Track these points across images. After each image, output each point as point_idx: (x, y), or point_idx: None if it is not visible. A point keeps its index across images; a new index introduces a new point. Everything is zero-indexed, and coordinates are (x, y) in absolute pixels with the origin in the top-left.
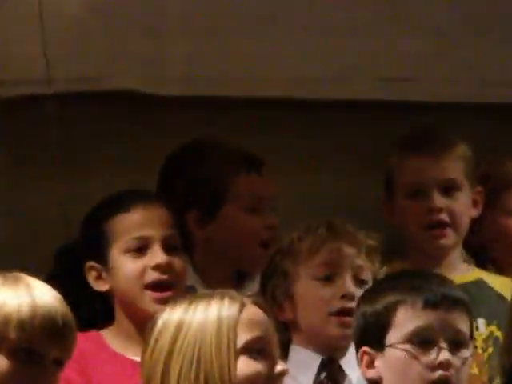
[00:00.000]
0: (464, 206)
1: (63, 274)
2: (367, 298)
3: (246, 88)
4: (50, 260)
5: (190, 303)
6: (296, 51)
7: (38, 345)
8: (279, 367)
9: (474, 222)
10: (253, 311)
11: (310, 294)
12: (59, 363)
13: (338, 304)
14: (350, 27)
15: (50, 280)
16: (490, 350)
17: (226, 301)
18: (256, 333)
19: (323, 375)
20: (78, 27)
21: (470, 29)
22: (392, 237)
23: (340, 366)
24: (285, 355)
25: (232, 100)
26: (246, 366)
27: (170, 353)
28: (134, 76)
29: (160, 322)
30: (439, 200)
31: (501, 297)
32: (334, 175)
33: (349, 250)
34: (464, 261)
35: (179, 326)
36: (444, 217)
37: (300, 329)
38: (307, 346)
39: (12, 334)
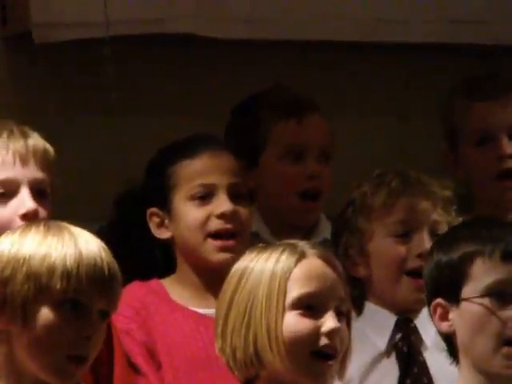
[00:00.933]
0: None
1: (123, 221)
2: (441, 246)
3: (304, 30)
4: (110, 206)
5: (257, 253)
6: None
7: (83, 296)
8: (326, 326)
9: None
10: (311, 265)
11: (386, 252)
12: (104, 315)
13: (414, 263)
14: None
15: (110, 226)
16: None
17: (286, 252)
18: (308, 288)
19: (398, 336)
20: None
21: None
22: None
23: (416, 328)
24: (359, 311)
25: (292, 42)
26: (293, 322)
27: (230, 304)
28: (193, 18)
29: (231, 271)
30: (510, 146)
31: None
32: (396, 120)
33: (424, 205)
34: None
35: (241, 277)
36: None
37: (374, 287)
38: (381, 305)
39: (57, 285)
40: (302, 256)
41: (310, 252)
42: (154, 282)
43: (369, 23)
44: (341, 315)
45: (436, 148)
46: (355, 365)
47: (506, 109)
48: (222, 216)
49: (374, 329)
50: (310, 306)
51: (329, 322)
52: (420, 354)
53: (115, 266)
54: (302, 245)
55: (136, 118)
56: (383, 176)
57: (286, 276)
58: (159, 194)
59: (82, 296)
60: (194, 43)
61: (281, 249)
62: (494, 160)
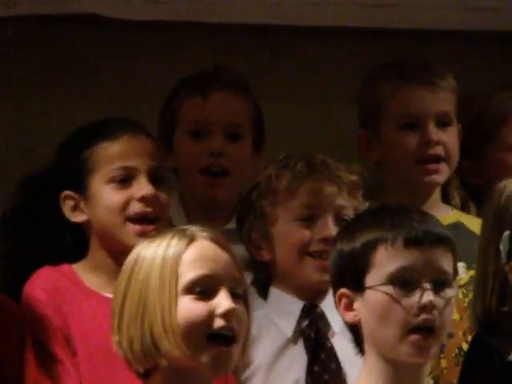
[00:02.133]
0: (456, 141)
1: (30, 204)
2: (344, 235)
3: (218, 13)
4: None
5: (148, 241)
6: None
7: None
8: (221, 307)
9: (473, 162)
10: (201, 247)
11: (289, 236)
12: None
13: (317, 247)
14: None
15: (16, 209)
16: (471, 295)
17: (176, 237)
18: (200, 270)
19: (305, 323)
20: None
21: None
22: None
23: (323, 313)
24: (264, 296)
25: (199, 25)
26: (187, 306)
27: (124, 296)
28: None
29: (127, 259)
30: (436, 133)
31: None
32: (319, 105)
33: (330, 189)
34: (447, 201)
35: (133, 266)
36: (440, 151)
37: (278, 271)
38: (286, 290)
39: None
40: (192, 239)
41: (201, 235)
42: (65, 267)
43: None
44: (237, 297)
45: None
46: (262, 352)
47: (435, 95)
48: (142, 199)
49: (280, 315)
50: (202, 288)
51: (223, 302)
52: (327, 339)
53: None
54: (192, 228)
55: (35, 102)
56: (288, 159)
57: (177, 260)
58: (75, 176)
59: None
60: (98, 24)
61: (171, 234)
62: (418, 145)
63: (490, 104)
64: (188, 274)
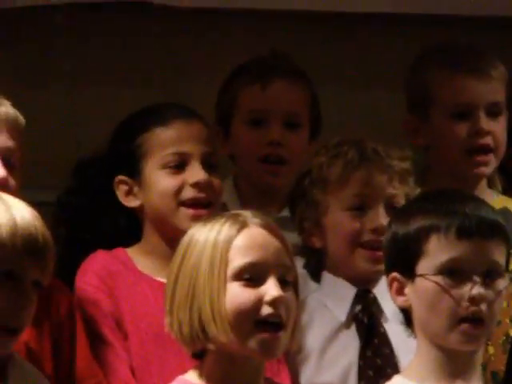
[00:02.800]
0: (505, 131)
1: (84, 188)
2: (399, 217)
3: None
4: (61, 177)
5: (201, 225)
6: None
7: (17, 266)
8: (269, 295)
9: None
10: (252, 234)
11: (341, 226)
12: (38, 285)
13: (369, 237)
14: None
15: (70, 194)
16: None
17: (228, 222)
18: (250, 257)
19: (358, 308)
20: None
21: None
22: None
23: (375, 299)
24: (317, 280)
25: (250, 11)
26: (235, 292)
27: (176, 278)
28: None
29: (181, 242)
30: (487, 123)
31: None
32: (361, 89)
33: (381, 179)
34: (490, 186)
35: (186, 249)
36: (489, 141)
37: (330, 258)
38: (340, 276)
39: None
40: (243, 225)
41: (253, 221)
42: (119, 251)
43: None
44: (286, 284)
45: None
46: (315, 336)
47: (487, 84)
48: (195, 185)
49: (333, 300)
50: (251, 275)
51: (271, 290)
52: (380, 325)
53: (49, 236)
54: (245, 214)
55: (89, 88)
56: (340, 146)
57: (228, 246)
58: (128, 161)
59: (16, 266)
60: (150, 12)
61: (223, 219)
62: (469, 135)
63: None
64: (238, 261)
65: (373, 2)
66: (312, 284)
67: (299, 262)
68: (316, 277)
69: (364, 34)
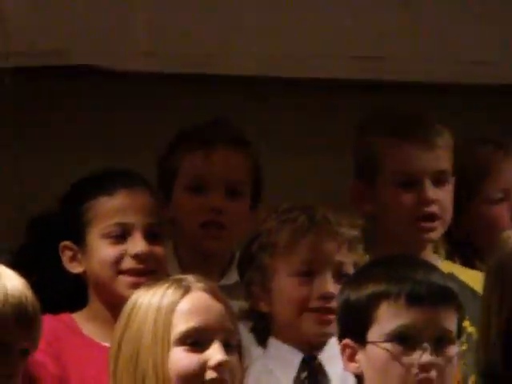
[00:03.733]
0: (451, 199)
1: (35, 246)
2: (351, 283)
3: (215, 65)
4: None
5: (145, 290)
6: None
7: (7, 335)
8: (213, 359)
9: (457, 214)
10: (196, 298)
11: (288, 291)
12: (25, 353)
13: (316, 303)
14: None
15: (21, 251)
16: (464, 346)
17: (172, 287)
18: (193, 322)
19: (304, 375)
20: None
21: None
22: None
23: (321, 365)
24: (263, 345)
25: (196, 76)
26: (179, 357)
27: (119, 343)
28: (95, 51)
29: (125, 306)
30: (433, 192)
31: (473, 292)
32: (310, 157)
33: (329, 246)
34: (434, 252)
35: (129, 315)
36: (436, 209)
37: (277, 323)
38: (286, 341)
39: None
40: (186, 290)
41: (196, 286)
42: (64, 316)
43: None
44: (230, 348)
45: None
46: None
47: (433, 153)
48: (135, 256)
49: (279, 366)
50: (195, 340)
51: (215, 354)
52: None
53: (38, 305)
54: (188, 279)
55: (33, 153)
56: (289, 212)
57: (171, 311)
58: (74, 227)
59: (5, 335)
60: (97, 75)
61: (167, 284)
62: (415, 203)
63: (473, 158)
64: (181, 326)
65: (321, 67)
66: (258, 350)
67: (246, 326)
68: (263, 342)
69: (312, 100)
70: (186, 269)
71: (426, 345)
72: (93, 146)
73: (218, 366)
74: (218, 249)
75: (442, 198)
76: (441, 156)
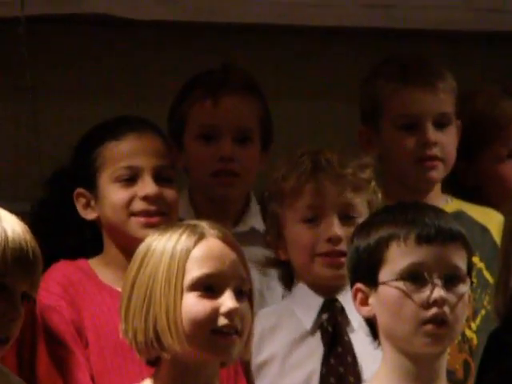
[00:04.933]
0: (454, 141)
1: (55, 200)
2: (360, 231)
3: (225, 14)
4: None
5: (159, 234)
6: None
7: (8, 278)
8: (225, 306)
9: (468, 164)
10: (209, 245)
11: (297, 238)
12: (27, 297)
13: (324, 248)
14: None
15: (42, 205)
16: (474, 281)
17: (186, 233)
18: (206, 269)
19: (325, 317)
20: None
21: None
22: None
23: (343, 308)
24: (288, 290)
25: (209, 24)
26: (191, 303)
27: (132, 286)
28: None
29: (137, 249)
30: (434, 134)
31: (483, 227)
32: (322, 103)
33: (332, 189)
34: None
35: (142, 258)
36: (437, 151)
37: (295, 270)
38: (308, 286)
39: None
40: (201, 237)
41: (210, 232)
42: (81, 262)
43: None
44: (241, 295)
45: None
46: (280, 342)
47: (434, 96)
48: (145, 198)
49: (301, 307)
50: (208, 286)
51: (227, 302)
52: (345, 334)
53: (38, 249)
54: (203, 225)
55: (48, 102)
56: (298, 158)
57: (185, 257)
58: (86, 174)
59: (7, 279)
60: (112, 24)
61: (181, 229)
62: (416, 145)
63: (492, 110)
64: (194, 272)
65: (330, 16)
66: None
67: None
68: (289, 288)
69: (321, 47)
70: (201, 217)
71: (437, 280)
72: (106, 95)
73: (230, 313)
74: (231, 196)
75: (443, 140)
76: (443, 99)
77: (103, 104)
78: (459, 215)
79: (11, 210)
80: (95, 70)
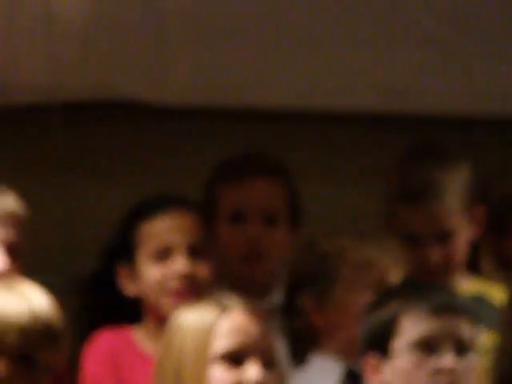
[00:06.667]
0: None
1: (106, 275)
2: (374, 304)
3: (248, 97)
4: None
5: (187, 309)
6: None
7: (34, 352)
8: (249, 379)
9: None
10: (235, 318)
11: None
12: (51, 369)
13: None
14: (350, 39)
15: (96, 276)
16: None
17: (211, 306)
18: (231, 342)
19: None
20: (83, 36)
21: (471, 41)
22: None
23: None
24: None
25: (234, 109)
26: (217, 376)
27: (162, 359)
28: (137, 84)
29: (167, 326)
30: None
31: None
32: (335, 186)
33: None
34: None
35: (171, 332)
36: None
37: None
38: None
39: (12, 341)
40: (226, 309)
41: (235, 305)
42: (123, 331)
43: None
44: (268, 367)
45: None
46: None
47: None
48: (178, 276)
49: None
50: (233, 359)
51: (251, 375)
52: None
53: (64, 322)
54: (228, 298)
55: (79, 188)
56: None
57: (210, 330)
58: (126, 251)
59: (32, 352)
60: (137, 109)
61: (207, 303)
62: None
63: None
64: (220, 345)
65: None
66: None
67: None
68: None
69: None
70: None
71: (447, 350)
72: (136, 182)
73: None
74: (259, 277)
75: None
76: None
77: (131, 191)
78: (476, 300)
79: (41, 283)
80: (129, 152)
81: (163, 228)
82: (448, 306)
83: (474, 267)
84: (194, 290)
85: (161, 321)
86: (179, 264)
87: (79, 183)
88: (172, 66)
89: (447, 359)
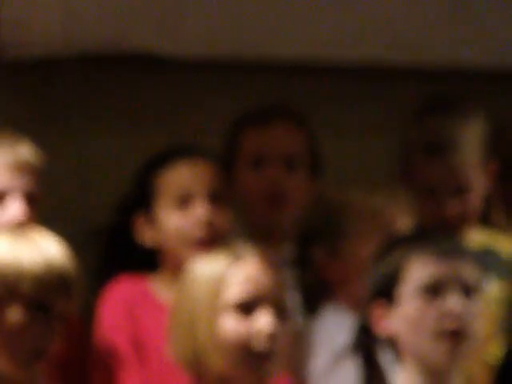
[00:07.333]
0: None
1: (122, 225)
2: (380, 252)
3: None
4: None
5: (202, 258)
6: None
7: (48, 298)
8: (261, 330)
9: None
10: (247, 267)
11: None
12: (64, 317)
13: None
14: None
15: (111, 229)
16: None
17: (225, 255)
18: (243, 291)
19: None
20: None
21: None
22: None
23: None
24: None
25: (247, 61)
26: (229, 324)
27: (177, 307)
28: (154, 37)
29: (182, 274)
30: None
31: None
32: (347, 139)
33: None
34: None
35: (186, 280)
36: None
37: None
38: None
39: (27, 289)
40: (239, 259)
41: (247, 254)
42: (139, 279)
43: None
44: (278, 315)
45: None
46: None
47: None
48: (199, 223)
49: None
50: (244, 308)
51: (263, 324)
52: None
53: (77, 270)
54: (242, 247)
55: (95, 139)
56: None
57: (223, 279)
58: (144, 201)
59: (47, 299)
60: (157, 63)
61: (220, 252)
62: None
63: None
64: (232, 294)
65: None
66: None
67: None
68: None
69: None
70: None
71: (453, 292)
72: (152, 129)
73: (266, 336)
74: (280, 221)
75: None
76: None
77: (148, 140)
78: (489, 250)
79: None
80: (144, 105)
81: (184, 175)
82: (453, 251)
83: (484, 219)
84: (214, 239)
85: (178, 270)
86: (200, 211)
87: (94, 135)
88: (189, 17)
89: (453, 302)
